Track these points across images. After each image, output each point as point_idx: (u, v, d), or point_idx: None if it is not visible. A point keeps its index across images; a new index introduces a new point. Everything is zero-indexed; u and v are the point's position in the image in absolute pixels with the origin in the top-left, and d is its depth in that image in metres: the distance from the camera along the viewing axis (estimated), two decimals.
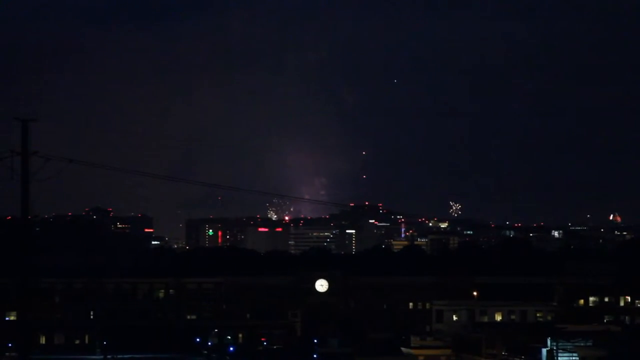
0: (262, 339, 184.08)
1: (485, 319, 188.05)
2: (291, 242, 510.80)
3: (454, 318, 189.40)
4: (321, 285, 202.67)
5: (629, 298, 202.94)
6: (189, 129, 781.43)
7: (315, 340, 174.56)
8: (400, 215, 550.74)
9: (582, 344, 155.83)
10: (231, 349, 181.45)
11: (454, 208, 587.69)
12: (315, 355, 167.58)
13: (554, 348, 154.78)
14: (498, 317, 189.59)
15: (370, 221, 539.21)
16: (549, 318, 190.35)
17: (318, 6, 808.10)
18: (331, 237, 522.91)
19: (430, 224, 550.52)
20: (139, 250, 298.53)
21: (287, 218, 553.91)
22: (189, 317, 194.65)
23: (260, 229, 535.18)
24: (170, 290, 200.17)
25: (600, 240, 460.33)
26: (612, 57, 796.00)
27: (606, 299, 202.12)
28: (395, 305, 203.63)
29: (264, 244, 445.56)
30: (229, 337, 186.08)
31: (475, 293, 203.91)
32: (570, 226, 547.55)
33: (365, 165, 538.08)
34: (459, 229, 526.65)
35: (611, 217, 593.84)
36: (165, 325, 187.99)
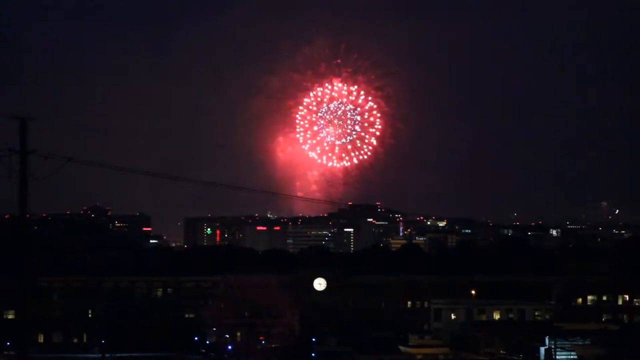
0: (261, 338, 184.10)
1: (484, 318, 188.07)
2: (289, 241, 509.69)
3: (452, 317, 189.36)
4: (319, 284, 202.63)
5: (627, 296, 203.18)
6: (187, 127, 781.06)
7: (314, 339, 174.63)
8: (398, 214, 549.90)
9: (580, 343, 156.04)
10: (229, 347, 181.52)
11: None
12: (313, 354, 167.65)
13: (552, 347, 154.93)
14: (496, 316, 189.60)
15: (369, 220, 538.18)
16: (547, 317, 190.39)
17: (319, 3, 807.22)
18: (329, 236, 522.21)
19: (429, 223, 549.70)
20: (137, 249, 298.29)
21: (285, 217, 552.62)
22: (187, 315, 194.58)
23: (258, 228, 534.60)
24: (169, 289, 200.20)
25: (599, 239, 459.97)
26: (610, 57, 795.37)
27: (604, 298, 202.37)
28: (393, 303, 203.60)
29: (262, 243, 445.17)
30: (227, 336, 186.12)
31: (473, 292, 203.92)
32: (569, 225, 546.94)
33: (364, 164, 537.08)
34: (457, 227, 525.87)
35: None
36: (163, 324, 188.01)
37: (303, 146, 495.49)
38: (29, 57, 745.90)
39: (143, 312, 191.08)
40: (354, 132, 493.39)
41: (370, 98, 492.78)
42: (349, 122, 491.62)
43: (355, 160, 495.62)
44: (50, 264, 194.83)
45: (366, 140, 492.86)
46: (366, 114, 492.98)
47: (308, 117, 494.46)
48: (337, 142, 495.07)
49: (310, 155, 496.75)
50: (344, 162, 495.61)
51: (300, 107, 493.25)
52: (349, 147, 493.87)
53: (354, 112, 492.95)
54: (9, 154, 69.46)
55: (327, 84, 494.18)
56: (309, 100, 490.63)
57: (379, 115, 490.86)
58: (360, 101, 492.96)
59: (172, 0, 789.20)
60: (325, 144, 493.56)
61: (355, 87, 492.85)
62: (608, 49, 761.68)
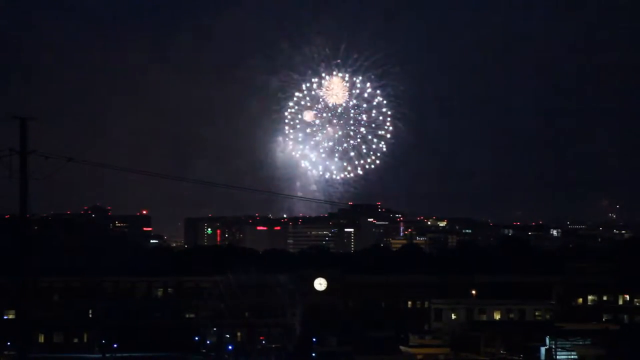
0: (261, 338, 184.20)
1: (484, 318, 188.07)
2: (290, 241, 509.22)
3: (453, 317, 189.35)
4: (320, 284, 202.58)
5: (627, 296, 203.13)
6: (187, 126, 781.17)
7: (314, 339, 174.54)
8: (398, 214, 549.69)
9: (580, 343, 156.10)
10: (230, 347, 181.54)
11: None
12: (313, 354, 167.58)
13: (553, 347, 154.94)
14: (497, 316, 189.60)
15: (369, 220, 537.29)
16: (548, 317, 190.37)
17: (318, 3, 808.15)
18: (330, 236, 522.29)
19: (429, 223, 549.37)
20: (138, 249, 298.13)
21: (285, 217, 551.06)
22: (187, 316, 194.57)
23: (258, 228, 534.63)
24: (169, 289, 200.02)
25: (599, 239, 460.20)
26: (612, 57, 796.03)
27: (605, 298, 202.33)
28: (393, 303, 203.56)
29: (263, 243, 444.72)
30: (228, 336, 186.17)
31: (473, 292, 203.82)
32: (569, 225, 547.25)
33: (364, 164, 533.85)
34: (457, 227, 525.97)
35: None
36: (163, 324, 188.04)
37: (293, 152, 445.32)
38: (30, 57, 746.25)
39: (143, 312, 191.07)
40: (358, 136, 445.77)
41: (378, 92, 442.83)
42: (351, 122, 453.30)
43: (359, 171, 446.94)
44: (50, 264, 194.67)
45: (374, 146, 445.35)
46: (374, 111, 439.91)
47: (299, 116, 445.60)
48: (337, 147, 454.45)
49: (303, 165, 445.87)
50: (346, 172, 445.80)
51: (290, 104, 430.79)
52: (352, 153, 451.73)
53: (357, 109, 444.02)
54: (9, 154, 69.51)
55: (324, 74, 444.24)
56: (300, 95, 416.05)
57: (389, 112, 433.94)
58: (365, 95, 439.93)
59: (172, 0, 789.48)
60: (321, 150, 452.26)
61: (360, 77, 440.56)
62: (608, 49, 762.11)
